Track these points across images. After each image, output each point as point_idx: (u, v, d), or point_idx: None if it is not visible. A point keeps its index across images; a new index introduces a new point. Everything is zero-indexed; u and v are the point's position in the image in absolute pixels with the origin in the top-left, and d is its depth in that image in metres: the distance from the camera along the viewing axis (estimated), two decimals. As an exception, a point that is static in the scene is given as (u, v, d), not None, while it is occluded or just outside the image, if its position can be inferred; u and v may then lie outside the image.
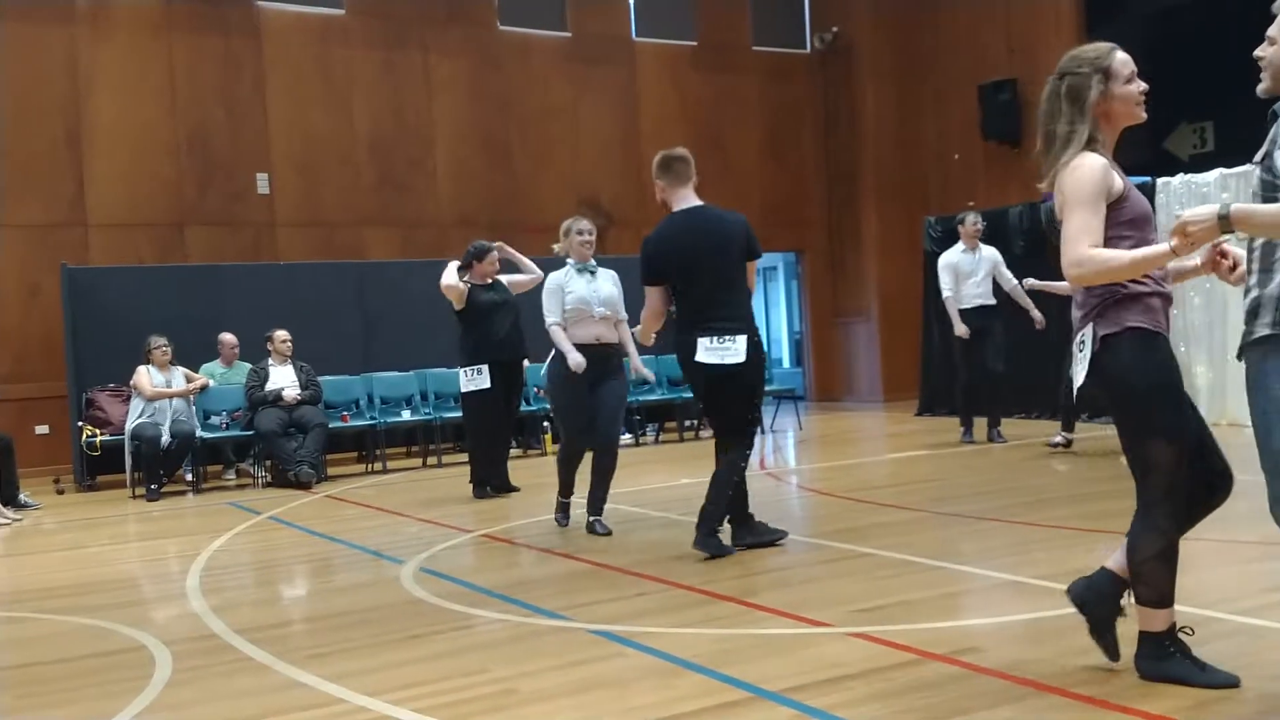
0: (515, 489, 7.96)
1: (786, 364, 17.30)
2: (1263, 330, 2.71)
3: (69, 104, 11.04)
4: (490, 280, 7.83)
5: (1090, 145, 3.00)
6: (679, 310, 5.24)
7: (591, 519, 6.05)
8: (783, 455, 10.02)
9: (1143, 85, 3.05)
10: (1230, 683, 3.01)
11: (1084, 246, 2.89)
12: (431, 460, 10.31)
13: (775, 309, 17.99)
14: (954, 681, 3.21)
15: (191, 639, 4.25)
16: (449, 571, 5.27)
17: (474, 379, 7.61)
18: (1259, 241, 2.74)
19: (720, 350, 5.08)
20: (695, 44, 14.35)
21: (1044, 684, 3.12)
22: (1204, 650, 3.11)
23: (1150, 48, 14.12)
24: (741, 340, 5.10)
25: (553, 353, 6.20)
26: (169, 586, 5.51)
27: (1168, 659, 3.06)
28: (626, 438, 10.23)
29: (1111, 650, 3.19)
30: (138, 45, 11.34)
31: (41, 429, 10.60)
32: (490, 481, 7.88)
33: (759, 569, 5.04)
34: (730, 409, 5.25)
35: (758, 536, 5.36)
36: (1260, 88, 2.84)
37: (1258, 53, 2.81)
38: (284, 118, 11.95)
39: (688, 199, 5.26)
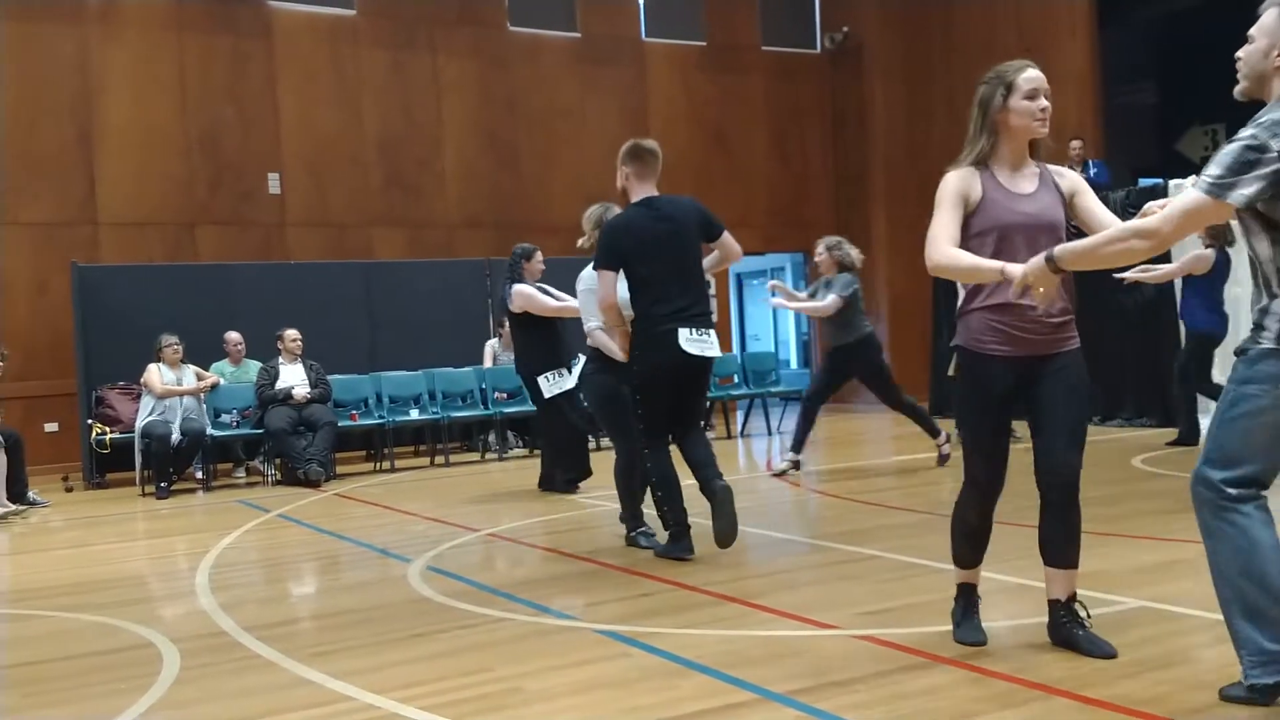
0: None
1: (794, 365, 17.29)
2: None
3: (80, 103, 11.08)
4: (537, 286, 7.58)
5: (985, 154, 3.33)
6: (643, 303, 5.08)
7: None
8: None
9: (1044, 104, 3.28)
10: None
11: (940, 243, 3.24)
12: (439, 459, 10.32)
13: (783, 310, 17.94)
14: (961, 685, 3.20)
15: (200, 636, 4.27)
16: (456, 570, 5.28)
17: (557, 382, 7.37)
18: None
19: (700, 343, 5.03)
20: (704, 44, 14.35)
21: (1053, 687, 3.11)
22: (1214, 653, 3.10)
23: (1162, 49, 14.10)
24: (713, 334, 5.12)
25: (584, 362, 5.91)
26: (178, 584, 5.52)
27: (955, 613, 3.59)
28: None
29: (1095, 646, 3.32)
30: (148, 44, 11.38)
31: (50, 427, 10.64)
32: (569, 475, 7.74)
33: (764, 571, 5.03)
34: (697, 404, 5.29)
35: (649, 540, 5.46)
36: (1237, 89, 2.84)
37: (1239, 54, 2.81)
38: (294, 118, 11.98)
39: (648, 192, 5.21)
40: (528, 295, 7.31)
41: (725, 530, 4.99)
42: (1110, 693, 3.03)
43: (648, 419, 5.17)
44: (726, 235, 5.28)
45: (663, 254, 5.04)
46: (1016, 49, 12.97)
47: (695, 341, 5.02)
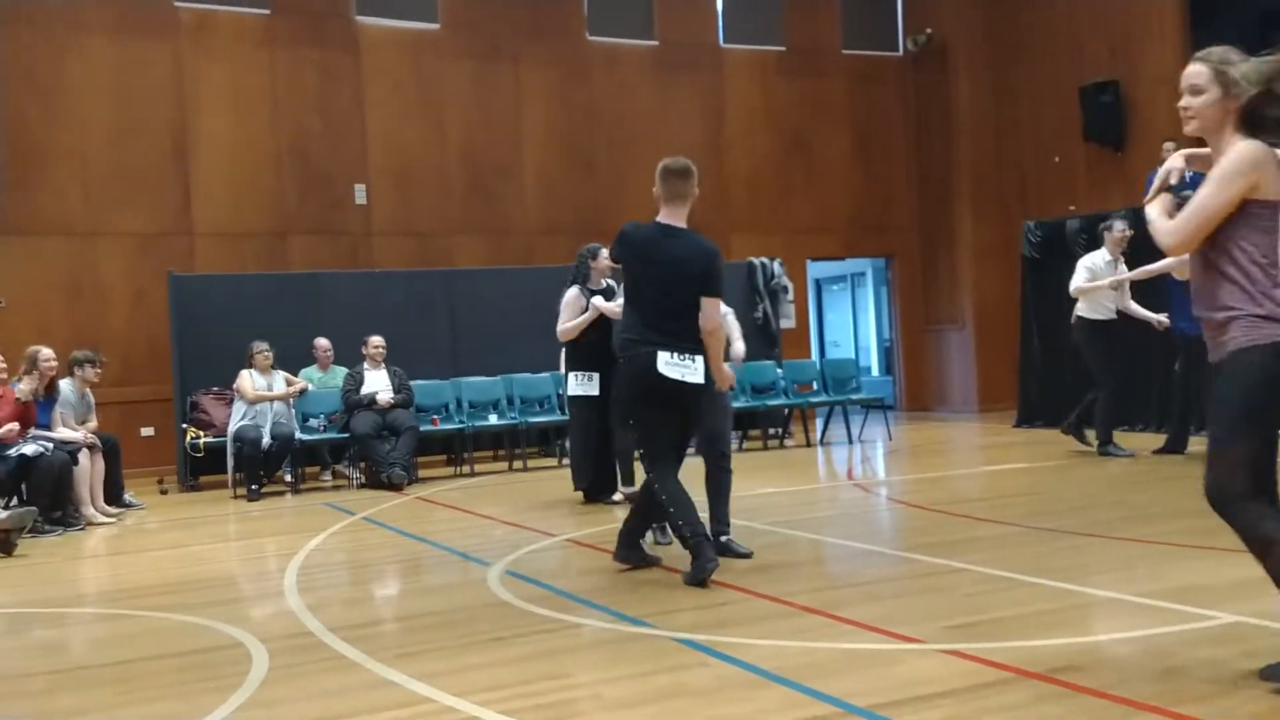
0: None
1: (876, 372, 17.06)
2: None
3: (175, 116, 11.45)
4: (605, 283, 7.68)
5: None
6: (630, 318, 5.08)
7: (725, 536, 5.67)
8: (871, 466, 9.86)
9: (1182, 101, 3.29)
10: None
11: None
12: (517, 464, 10.42)
13: (864, 315, 17.77)
14: (1050, 700, 3.11)
15: (287, 636, 4.36)
16: (534, 575, 5.31)
17: (583, 384, 7.48)
18: None
19: (681, 367, 4.95)
20: (783, 49, 14.27)
21: (1144, 704, 3.01)
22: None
23: (1253, 49, 13.65)
24: (701, 361, 5.01)
25: (620, 371, 6.08)
26: (267, 585, 5.65)
27: None
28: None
29: None
30: (241, 59, 11.71)
31: (146, 431, 10.98)
32: (587, 486, 7.73)
33: (846, 582, 4.96)
34: (690, 424, 5.19)
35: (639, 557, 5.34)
36: None
37: None
38: (381, 129, 12.22)
39: (673, 218, 5.09)
40: (564, 307, 7.58)
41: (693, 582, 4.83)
42: (1206, 709, 2.93)
43: (643, 441, 5.16)
44: (711, 301, 5.00)
45: (661, 275, 4.98)
46: (1103, 50, 12.67)
47: (675, 365, 4.93)
